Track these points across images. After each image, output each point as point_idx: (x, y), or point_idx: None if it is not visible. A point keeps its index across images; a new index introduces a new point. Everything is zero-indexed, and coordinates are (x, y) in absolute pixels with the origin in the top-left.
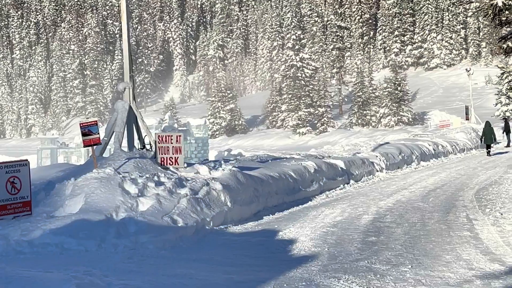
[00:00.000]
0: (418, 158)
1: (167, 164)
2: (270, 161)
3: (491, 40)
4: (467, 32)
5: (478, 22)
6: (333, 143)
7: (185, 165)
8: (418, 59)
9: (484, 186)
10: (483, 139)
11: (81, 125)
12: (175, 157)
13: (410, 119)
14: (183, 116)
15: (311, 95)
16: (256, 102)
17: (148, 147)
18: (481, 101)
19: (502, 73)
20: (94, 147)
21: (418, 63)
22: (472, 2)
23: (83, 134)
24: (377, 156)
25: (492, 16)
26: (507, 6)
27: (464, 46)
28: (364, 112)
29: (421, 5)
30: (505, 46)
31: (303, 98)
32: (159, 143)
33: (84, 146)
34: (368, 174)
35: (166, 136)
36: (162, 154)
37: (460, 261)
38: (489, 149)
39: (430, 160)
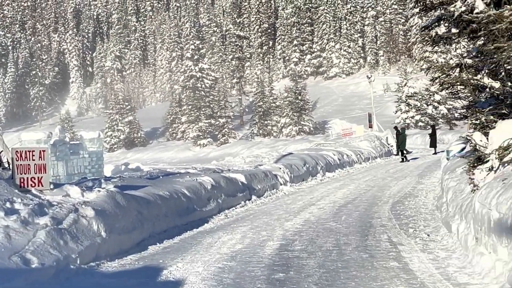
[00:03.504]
0: (324, 169)
1: (27, 186)
2: (161, 177)
3: (388, 48)
4: (365, 41)
5: (375, 31)
6: (234, 154)
7: (52, 186)
8: (317, 68)
9: (399, 200)
10: (398, 146)
11: None
12: (38, 177)
13: (312, 129)
14: (80, 130)
15: (211, 106)
16: (156, 114)
17: (6, 165)
18: (381, 109)
19: (428, 68)
20: None
21: (318, 72)
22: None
23: None
24: (280, 168)
25: None
26: None
27: (362, 55)
28: (265, 122)
29: (319, 14)
30: (433, 34)
31: (203, 109)
32: (17, 161)
33: None
34: (272, 188)
35: (26, 151)
36: (21, 174)
37: None
38: (403, 155)
39: (336, 170)
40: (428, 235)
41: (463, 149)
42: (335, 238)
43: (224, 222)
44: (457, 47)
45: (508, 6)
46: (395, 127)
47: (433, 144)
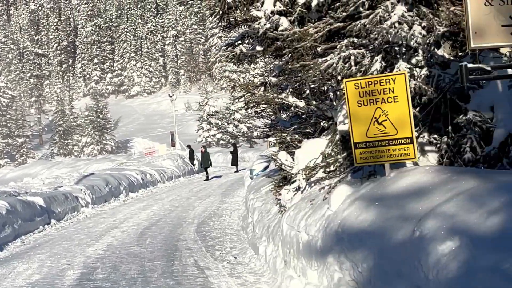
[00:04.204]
0: (127, 189)
1: None
2: None
3: (189, 67)
4: (166, 60)
5: (176, 50)
6: (34, 175)
7: None
8: (118, 87)
9: (204, 220)
10: (202, 164)
11: None
12: None
13: (114, 148)
14: None
15: (8, 125)
16: None
17: None
18: (183, 127)
19: (233, 86)
20: None
21: (119, 91)
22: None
23: None
24: (81, 190)
25: (220, 14)
26: (237, 3)
27: (164, 74)
28: (66, 141)
29: (119, 33)
30: (237, 51)
31: None
32: None
33: None
34: (72, 210)
35: None
36: None
37: None
38: (207, 174)
39: (139, 190)
40: (235, 257)
41: (266, 167)
42: (139, 264)
43: (20, 249)
44: (255, 66)
45: (312, 24)
46: (188, 146)
47: (234, 162)
